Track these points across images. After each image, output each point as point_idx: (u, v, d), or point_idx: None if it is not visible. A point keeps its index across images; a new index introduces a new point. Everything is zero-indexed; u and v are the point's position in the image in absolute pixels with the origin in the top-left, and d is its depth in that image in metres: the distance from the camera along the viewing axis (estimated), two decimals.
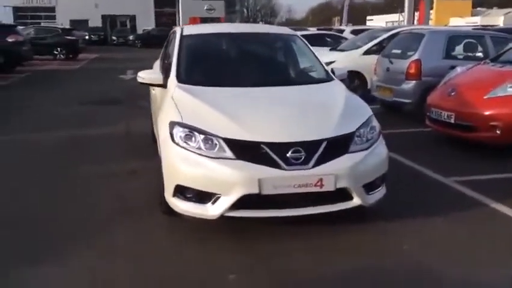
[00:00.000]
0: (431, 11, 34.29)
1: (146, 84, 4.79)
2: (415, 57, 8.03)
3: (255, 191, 3.36)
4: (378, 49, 10.02)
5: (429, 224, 3.98)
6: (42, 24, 33.00)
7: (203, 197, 3.49)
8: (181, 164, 3.53)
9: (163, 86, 4.54)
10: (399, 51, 8.66)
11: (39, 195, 4.65)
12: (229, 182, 3.38)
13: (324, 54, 9.43)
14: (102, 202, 4.45)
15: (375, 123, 3.96)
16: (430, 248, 3.58)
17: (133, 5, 46.34)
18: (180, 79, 4.40)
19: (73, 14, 44.17)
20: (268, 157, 3.42)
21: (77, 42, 24.65)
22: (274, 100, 4.15)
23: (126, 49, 35.64)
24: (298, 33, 5.80)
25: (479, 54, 8.27)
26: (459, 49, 8.38)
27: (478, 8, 46.61)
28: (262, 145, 3.44)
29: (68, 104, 10.18)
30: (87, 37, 38.96)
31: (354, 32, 16.53)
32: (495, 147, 5.82)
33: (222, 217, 3.48)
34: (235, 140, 3.47)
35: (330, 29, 20.51)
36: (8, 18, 41.08)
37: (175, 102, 3.95)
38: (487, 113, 5.73)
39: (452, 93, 6.28)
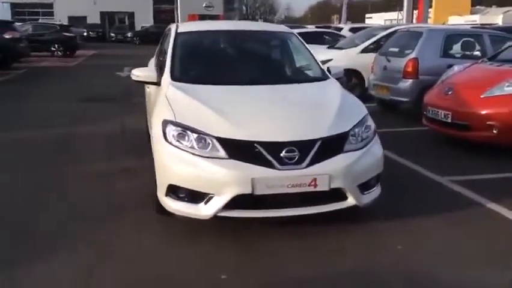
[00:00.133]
0: (430, 9, 34.22)
1: (141, 82, 4.74)
2: (412, 55, 8.01)
3: (248, 191, 3.33)
4: (376, 47, 10.00)
5: (423, 224, 3.95)
6: (40, 21, 32.91)
7: (196, 196, 3.45)
8: (173, 163, 3.49)
9: (157, 84, 4.50)
10: (396, 50, 8.63)
11: (29, 192, 4.60)
12: (222, 181, 3.34)
13: (321, 52, 9.44)
14: (94, 200, 4.41)
15: (370, 122, 3.93)
16: (424, 248, 3.55)
17: (132, 2, 46.21)
18: (174, 77, 4.36)
19: (71, 10, 44.05)
20: (262, 157, 3.38)
21: (75, 39, 24.55)
22: (269, 99, 4.11)
23: (124, 46, 35.56)
24: (296, 30, 5.77)
25: (477, 53, 8.25)
26: (457, 48, 8.35)
27: (477, 7, 46.53)
28: (255, 144, 3.39)
29: (64, 101, 10.14)
30: (85, 34, 38.98)
31: (353, 30, 16.46)
32: (492, 147, 5.79)
33: (215, 217, 3.44)
34: (228, 139, 3.43)
35: (329, 27, 20.42)
36: (6, 15, 40.97)
37: (169, 101, 3.91)
38: (483, 112, 5.70)
39: (449, 92, 6.25)
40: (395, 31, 10.09)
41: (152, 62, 6.22)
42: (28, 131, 7.23)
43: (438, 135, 6.60)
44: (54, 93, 11.41)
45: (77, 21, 40.36)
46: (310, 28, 19.22)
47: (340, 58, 9.82)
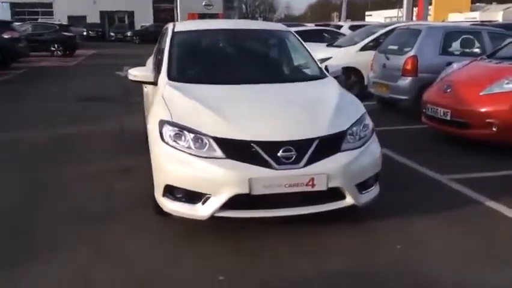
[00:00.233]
0: (430, 7, 34.18)
1: (137, 81, 4.73)
2: (411, 53, 7.98)
3: (246, 191, 3.31)
4: (375, 45, 9.97)
5: (423, 223, 3.93)
6: (39, 21, 32.89)
7: (193, 197, 3.43)
8: (170, 163, 3.47)
9: (154, 83, 4.48)
10: (395, 47, 8.60)
11: (28, 192, 4.60)
12: (219, 182, 3.32)
13: (320, 50, 9.42)
14: (93, 200, 4.40)
15: (368, 121, 3.91)
16: (424, 247, 3.53)
17: (131, 1, 46.21)
18: (171, 77, 4.34)
19: (70, 10, 44.10)
20: (259, 156, 3.36)
21: (75, 39, 24.55)
22: (266, 98, 4.09)
23: (124, 45, 35.53)
24: (296, 29, 5.75)
25: (477, 50, 8.21)
26: (456, 45, 8.31)
27: (477, 4, 46.45)
28: (252, 144, 3.37)
29: (63, 100, 10.13)
30: (85, 33, 39.00)
31: (352, 28, 16.41)
32: (491, 145, 5.76)
33: (212, 217, 3.42)
34: (224, 139, 3.41)
35: (328, 25, 20.35)
36: (6, 14, 40.97)
37: (165, 101, 3.89)
38: (483, 109, 5.67)
39: (448, 90, 6.22)
40: (394, 29, 10.05)
41: (151, 61, 6.20)
42: (27, 131, 7.21)
43: (437, 133, 6.58)
44: (54, 93, 11.39)
45: (76, 20, 40.42)
46: (310, 26, 19.14)
47: (339, 56, 9.80)
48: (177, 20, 35.69)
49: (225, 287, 3.05)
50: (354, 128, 3.71)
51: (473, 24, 12.90)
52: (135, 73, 4.63)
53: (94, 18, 45.91)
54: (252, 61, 5.02)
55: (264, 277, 3.13)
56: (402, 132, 7.12)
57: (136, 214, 4.05)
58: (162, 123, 3.62)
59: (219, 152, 3.38)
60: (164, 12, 47.98)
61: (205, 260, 3.33)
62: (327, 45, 11.26)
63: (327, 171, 3.42)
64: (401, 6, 34.39)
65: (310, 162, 3.41)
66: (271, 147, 3.38)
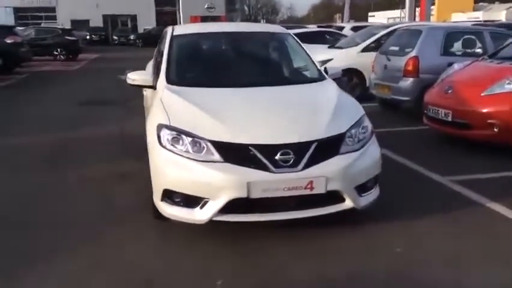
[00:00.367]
0: (432, 7, 34.09)
1: (136, 85, 4.72)
2: (413, 54, 7.96)
3: (244, 194, 3.29)
4: (376, 46, 9.93)
5: (423, 224, 3.91)
6: (42, 25, 33.02)
7: (191, 201, 3.42)
8: (168, 167, 3.47)
9: (153, 87, 4.47)
10: (396, 48, 8.57)
11: (28, 197, 4.59)
12: (217, 186, 3.31)
13: (322, 52, 9.40)
14: (93, 204, 4.39)
15: (367, 123, 3.88)
16: (424, 249, 3.51)
17: (134, 5, 46.28)
18: (169, 80, 4.33)
19: (73, 14, 44.24)
20: (257, 160, 3.34)
21: (77, 43, 24.63)
22: (264, 101, 4.07)
23: (127, 49, 35.60)
24: (297, 31, 5.73)
25: (478, 51, 8.16)
26: (457, 45, 8.27)
27: (480, 3, 46.32)
28: (250, 147, 3.36)
29: (65, 105, 10.15)
30: (88, 37, 39.12)
31: (355, 29, 16.36)
32: (492, 146, 5.73)
33: (211, 221, 3.41)
34: (222, 142, 3.39)
35: (331, 26, 20.31)
36: (9, 19, 41.16)
37: (164, 105, 3.88)
38: (484, 110, 5.64)
39: (449, 91, 6.19)
40: (395, 30, 10.02)
41: (151, 65, 6.20)
42: (29, 135, 7.22)
43: (439, 134, 6.55)
44: (56, 97, 11.42)
45: (79, 24, 40.59)
46: (311, 27, 19.11)
47: (341, 57, 9.76)
48: (180, 23, 35.76)
49: None
50: (353, 130, 3.69)
51: (474, 24, 12.86)
52: (134, 77, 4.63)
53: (97, 22, 46.07)
54: (250, 64, 5.01)
55: (262, 281, 3.12)
56: (403, 134, 7.09)
57: (135, 218, 4.04)
58: (160, 127, 3.62)
59: (216, 156, 3.37)
60: (166, 16, 48.06)
61: (203, 264, 3.31)
62: (329, 47, 11.23)
63: (325, 174, 3.41)
64: (403, 7, 34.31)
65: (308, 165, 3.39)
66: (269, 150, 3.36)
